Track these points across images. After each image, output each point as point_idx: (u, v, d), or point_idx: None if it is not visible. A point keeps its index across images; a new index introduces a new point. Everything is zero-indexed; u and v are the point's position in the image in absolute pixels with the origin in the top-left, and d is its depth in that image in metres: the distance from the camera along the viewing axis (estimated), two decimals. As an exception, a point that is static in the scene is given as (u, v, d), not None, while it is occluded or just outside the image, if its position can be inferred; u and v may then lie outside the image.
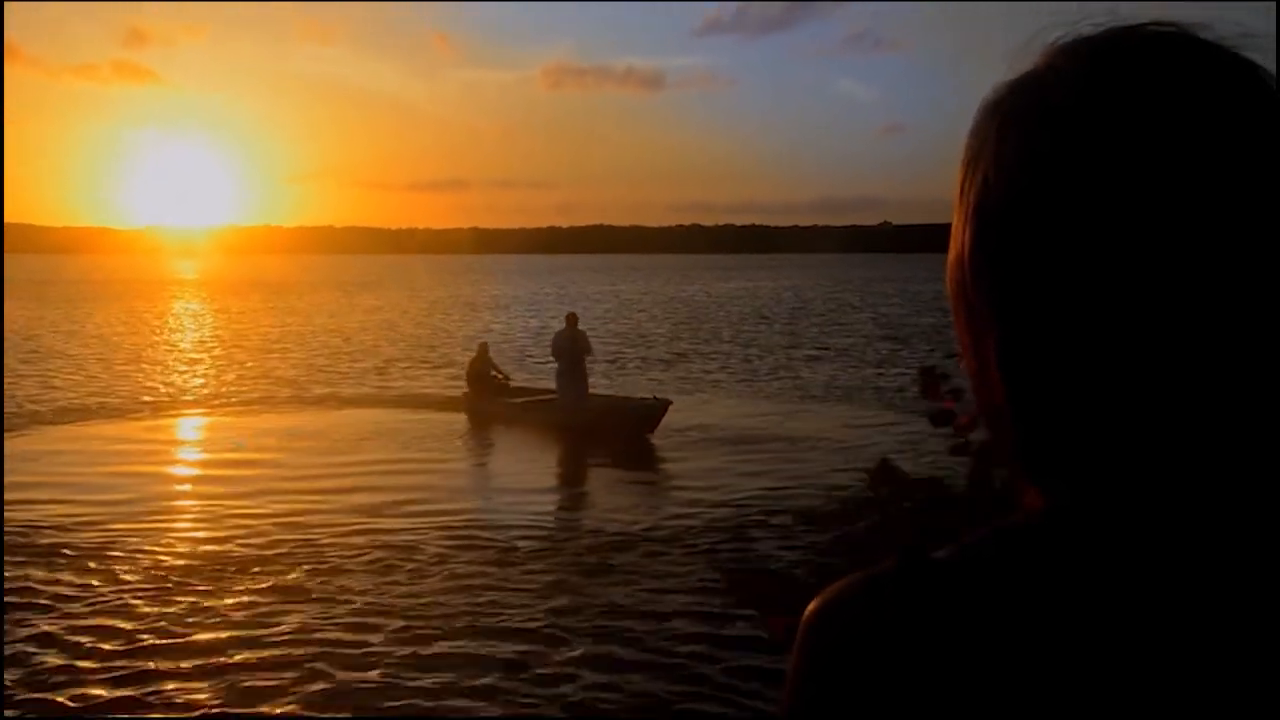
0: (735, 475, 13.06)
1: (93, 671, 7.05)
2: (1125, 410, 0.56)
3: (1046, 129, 0.58)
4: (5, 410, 18.40)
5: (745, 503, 11.66)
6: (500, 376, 18.17)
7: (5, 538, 10.20)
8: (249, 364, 26.82)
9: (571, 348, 16.54)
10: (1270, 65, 0.59)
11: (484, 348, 18.74)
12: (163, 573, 9.33)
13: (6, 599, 8.43)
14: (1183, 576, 0.56)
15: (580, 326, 17.00)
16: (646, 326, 38.19)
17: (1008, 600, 0.58)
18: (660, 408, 15.89)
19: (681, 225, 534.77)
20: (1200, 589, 0.56)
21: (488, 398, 17.51)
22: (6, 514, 11.13)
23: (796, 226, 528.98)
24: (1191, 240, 0.55)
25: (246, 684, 6.84)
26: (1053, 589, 0.58)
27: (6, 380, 22.50)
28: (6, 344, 30.34)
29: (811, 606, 0.63)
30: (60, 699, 6.63)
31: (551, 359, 17.31)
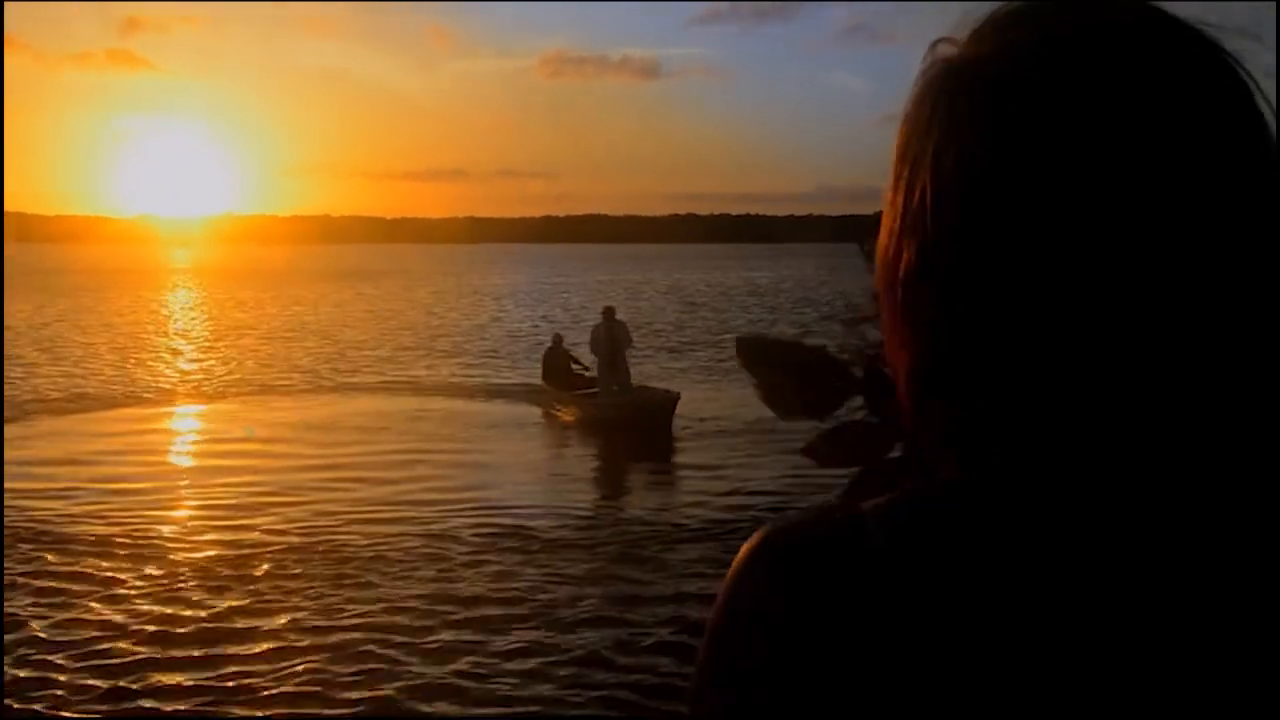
0: (768, 463, 12.89)
1: (152, 663, 7.04)
2: (1069, 385, 0.55)
3: (1000, 101, 0.57)
4: (30, 399, 18.54)
5: (787, 490, 11.56)
6: (581, 368, 17.67)
7: (38, 529, 10.18)
8: (275, 352, 26.77)
9: (610, 341, 16.22)
10: (1270, 65, 0.58)
11: (559, 340, 18.31)
12: (239, 562, 9.28)
13: (44, 587, 8.43)
14: (1118, 551, 0.56)
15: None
16: (654, 315, 38.08)
17: (939, 567, 0.58)
18: (673, 400, 15.78)
19: (677, 215, 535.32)
20: (1134, 562, 0.56)
21: (567, 390, 17.13)
22: (35, 505, 11.17)
23: (792, 216, 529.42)
24: (1137, 216, 0.54)
25: (314, 678, 6.76)
26: (980, 558, 0.57)
27: (27, 369, 22.58)
28: (21, 333, 30.45)
29: (749, 547, 0.63)
30: (99, 684, 6.64)
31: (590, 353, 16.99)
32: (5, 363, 20.97)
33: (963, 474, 0.59)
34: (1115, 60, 0.55)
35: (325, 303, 47.36)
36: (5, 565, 8.74)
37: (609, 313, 16.57)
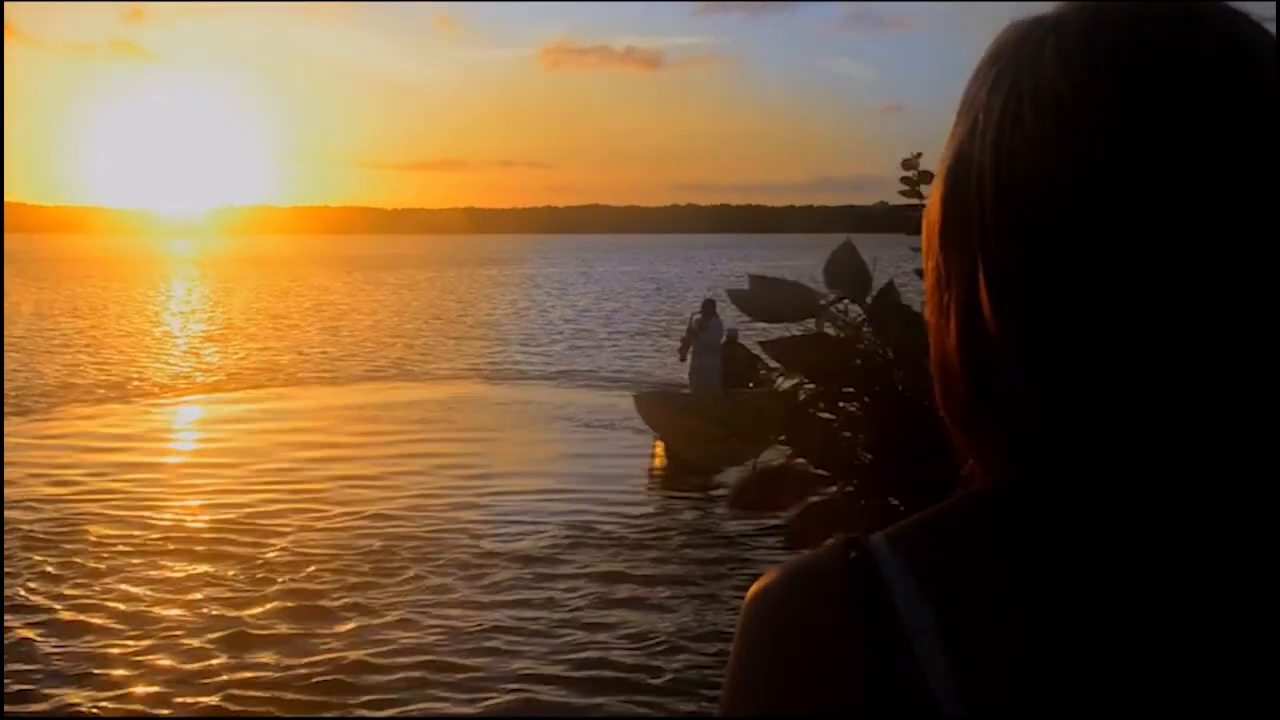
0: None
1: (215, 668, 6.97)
2: (1105, 388, 0.55)
3: (1038, 88, 0.57)
4: (72, 389, 18.52)
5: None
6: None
7: (82, 521, 10.11)
8: (338, 340, 26.87)
9: (704, 337, 14.36)
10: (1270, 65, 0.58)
11: (734, 336, 17.66)
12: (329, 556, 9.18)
13: (67, 584, 8.35)
14: (1159, 566, 0.55)
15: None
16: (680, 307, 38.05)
17: (972, 583, 0.57)
18: None
19: (678, 205, 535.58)
20: (1176, 573, 0.55)
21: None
22: (86, 492, 11.17)
23: (793, 206, 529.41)
24: (1172, 217, 0.54)
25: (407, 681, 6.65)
26: (1018, 569, 0.57)
27: (58, 358, 22.57)
28: (51, 321, 30.56)
29: (757, 588, 0.62)
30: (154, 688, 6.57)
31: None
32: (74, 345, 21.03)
33: (1018, 474, 0.58)
34: (1159, 68, 0.56)
35: (362, 292, 47.46)
36: (41, 562, 8.67)
37: (709, 307, 14.57)
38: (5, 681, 6.16)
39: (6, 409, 16.39)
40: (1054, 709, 0.54)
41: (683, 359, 14.71)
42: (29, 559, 8.87)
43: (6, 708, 5.91)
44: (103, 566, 8.72)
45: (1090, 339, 0.55)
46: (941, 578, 0.58)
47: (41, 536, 9.51)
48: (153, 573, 8.63)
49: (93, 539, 9.50)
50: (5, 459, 12.34)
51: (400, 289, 50.71)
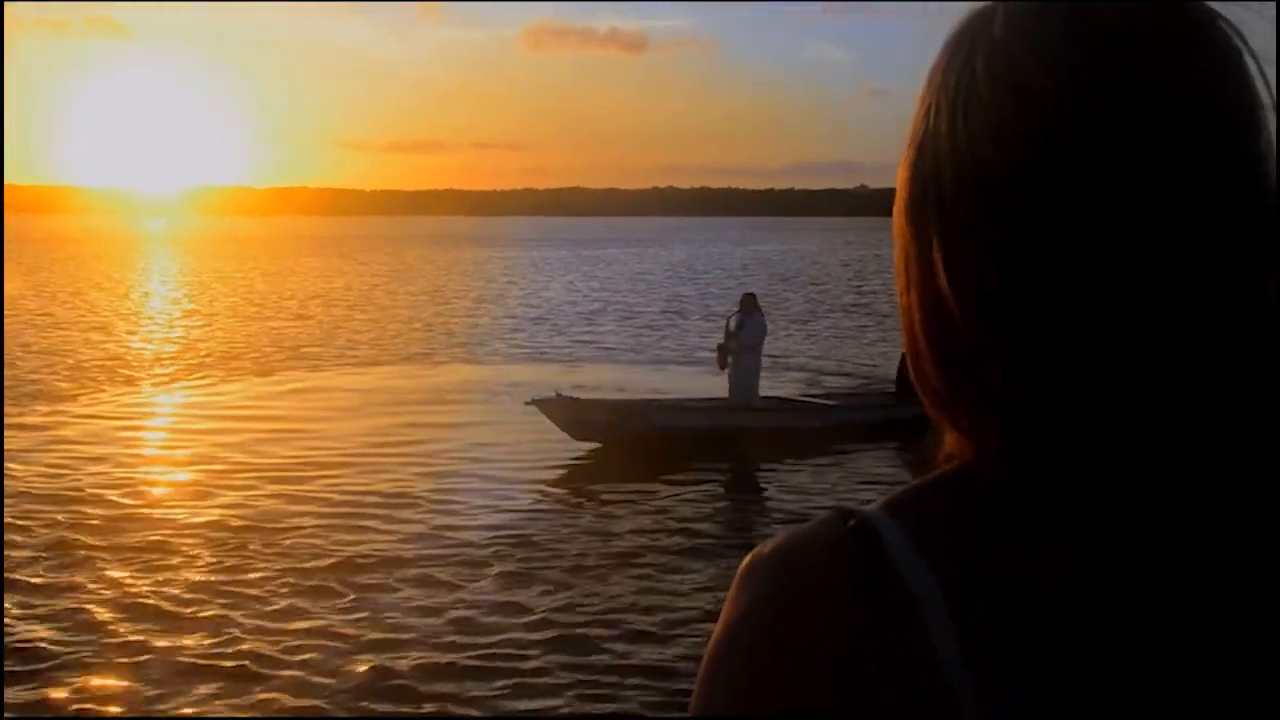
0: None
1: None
2: (1078, 361, 0.56)
3: (985, 62, 0.58)
4: (107, 369, 18.42)
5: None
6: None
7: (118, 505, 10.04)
8: (383, 318, 26.78)
9: (744, 335, 12.57)
10: (1270, 65, 0.59)
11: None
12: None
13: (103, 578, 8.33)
14: (1149, 528, 0.56)
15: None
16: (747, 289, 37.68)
17: (951, 557, 0.58)
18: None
19: (657, 187, 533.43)
20: (1167, 536, 0.56)
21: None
22: (117, 472, 11.15)
23: (772, 190, 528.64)
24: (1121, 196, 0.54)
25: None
26: (993, 546, 0.58)
27: (86, 338, 22.36)
28: (71, 302, 30.20)
29: (754, 556, 0.63)
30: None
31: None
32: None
33: (1004, 443, 0.58)
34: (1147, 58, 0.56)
35: (376, 274, 47.13)
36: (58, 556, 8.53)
37: (748, 301, 12.85)
38: (5, 681, 6.07)
39: (53, 386, 16.35)
40: (1055, 672, 0.55)
41: (723, 367, 12.63)
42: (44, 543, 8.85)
43: (6, 711, 5.85)
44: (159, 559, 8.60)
45: (1048, 317, 0.55)
46: (940, 545, 0.59)
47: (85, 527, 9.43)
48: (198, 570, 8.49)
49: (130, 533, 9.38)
50: (41, 439, 12.40)
51: (445, 269, 50.17)
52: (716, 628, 0.62)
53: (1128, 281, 0.54)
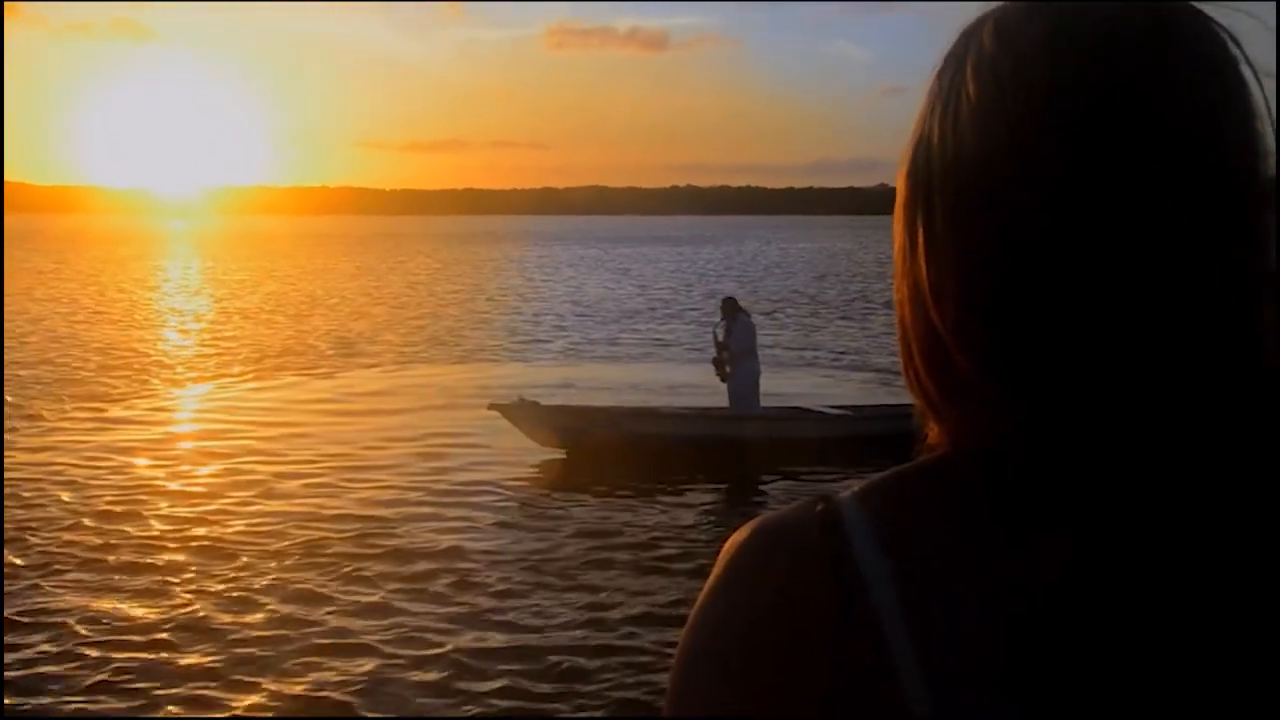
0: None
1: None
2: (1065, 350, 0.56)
3: (974, 69, 0.59)
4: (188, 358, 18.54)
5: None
6: None
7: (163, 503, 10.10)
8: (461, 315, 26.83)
9: (734, 342, 11.86)
10: (1270, 66, 0.59)
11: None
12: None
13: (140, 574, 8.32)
14: (1114, 519, 0.56)
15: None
16: (792, 288, 37.27)
17: (922, 543, 0.59)
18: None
19: (676, 186, 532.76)
20: (1130, 528, 0.56)
21: None
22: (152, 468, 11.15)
23: (791, 189, 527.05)
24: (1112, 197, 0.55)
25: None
26: (975, 532, 0.58)
27: (155, 335, 22.47)
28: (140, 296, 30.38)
29: (734, 540, 0.65)
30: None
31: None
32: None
33: (982, 437, 0.60)
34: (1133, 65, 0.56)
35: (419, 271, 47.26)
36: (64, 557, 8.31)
37: (729, 305, 12.14)
38: (5, 682, 5.99)
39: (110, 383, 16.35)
40: (1009, 658, 0.56)
41: (723, 378, 11.90)
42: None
43: (6, 712, 5.78)
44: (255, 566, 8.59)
45: (1029, 317, 0.56)
46: (903, 532, 0.60)
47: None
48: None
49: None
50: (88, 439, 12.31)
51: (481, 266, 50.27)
52: (694, 611, 0.64)
53: (1112, 283, 0.55)
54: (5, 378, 15.81)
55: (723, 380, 11.89)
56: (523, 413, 11.35)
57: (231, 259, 60.53)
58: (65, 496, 10.00)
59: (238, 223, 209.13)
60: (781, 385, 15.09)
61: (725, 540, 0.66)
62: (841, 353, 20.36)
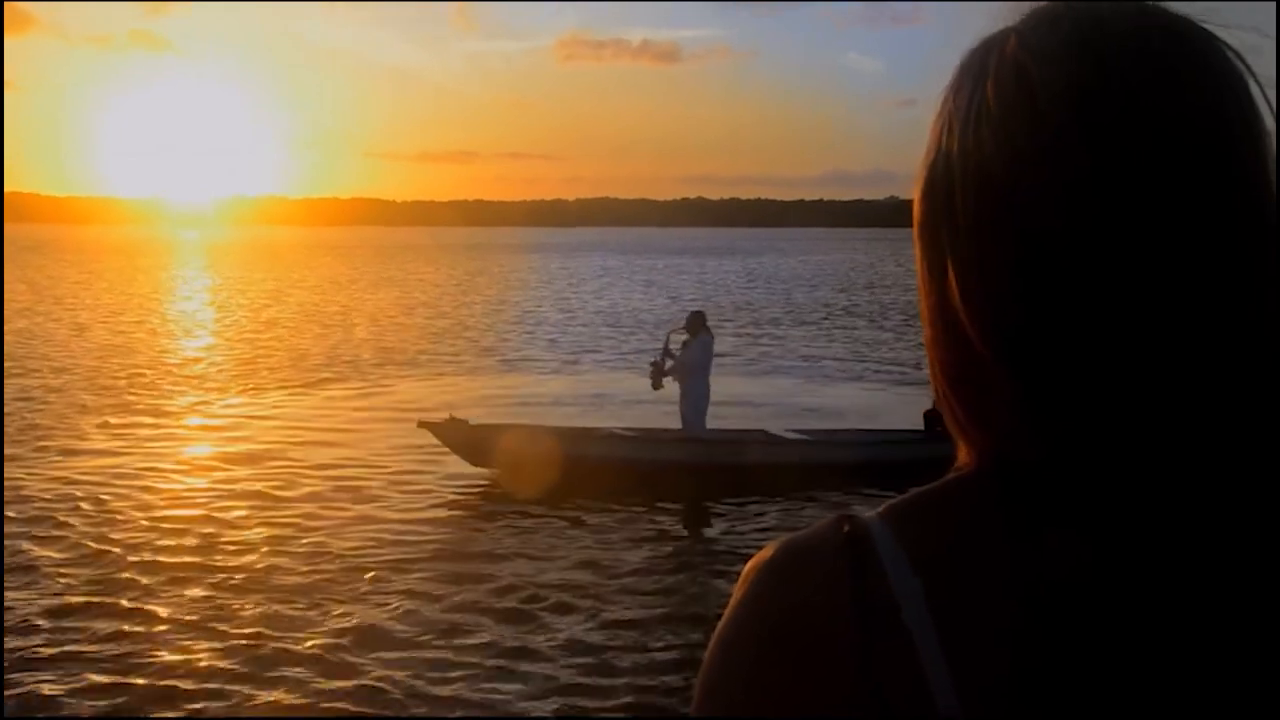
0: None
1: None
2: (1081, 372, 0.57)
3: (996, 81, 0.60)
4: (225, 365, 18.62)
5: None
6: None
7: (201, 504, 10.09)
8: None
9: (689, 356, 11.23)
10: (1270, 66, 0.60)
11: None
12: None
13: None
14: (1142, 539, 0.57)
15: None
16: (813, 301, 37.41)
17: (945, 563, 0.59)
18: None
19: (687, 198, 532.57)
20: (1159, 549, 0.57)
21: None
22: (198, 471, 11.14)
23: (802, 200, 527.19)
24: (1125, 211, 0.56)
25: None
26: (998, 552, 0.59)
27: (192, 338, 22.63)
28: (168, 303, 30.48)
29: (756, 561, 0.65)
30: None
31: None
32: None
33: (1008, 453, 0.60)
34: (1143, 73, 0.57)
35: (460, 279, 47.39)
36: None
37: (695, 321, 11.42)
38: (5, 682, 5.97)
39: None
40: (1041, 680, 0.56)
41: (657, 386, 11.26)
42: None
43: (6, 710, 5.75)
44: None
45: (1058, 330, 0.57)
46: (932, 551, 0.60)
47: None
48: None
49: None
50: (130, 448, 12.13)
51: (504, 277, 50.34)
52: (717, 629, 0.64)
53: (1137, 294, 0.55)
54: (49, 388, 16.13)
55: (655, 388, 11.34)
56: (452, 432, 11.11)
57: (253, 269, 60.60)
58: (84, 504, 9.83)
59: (250, 233, 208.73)
60: (824, 401, 15.22)
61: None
62: (896, 363, 20.24)
